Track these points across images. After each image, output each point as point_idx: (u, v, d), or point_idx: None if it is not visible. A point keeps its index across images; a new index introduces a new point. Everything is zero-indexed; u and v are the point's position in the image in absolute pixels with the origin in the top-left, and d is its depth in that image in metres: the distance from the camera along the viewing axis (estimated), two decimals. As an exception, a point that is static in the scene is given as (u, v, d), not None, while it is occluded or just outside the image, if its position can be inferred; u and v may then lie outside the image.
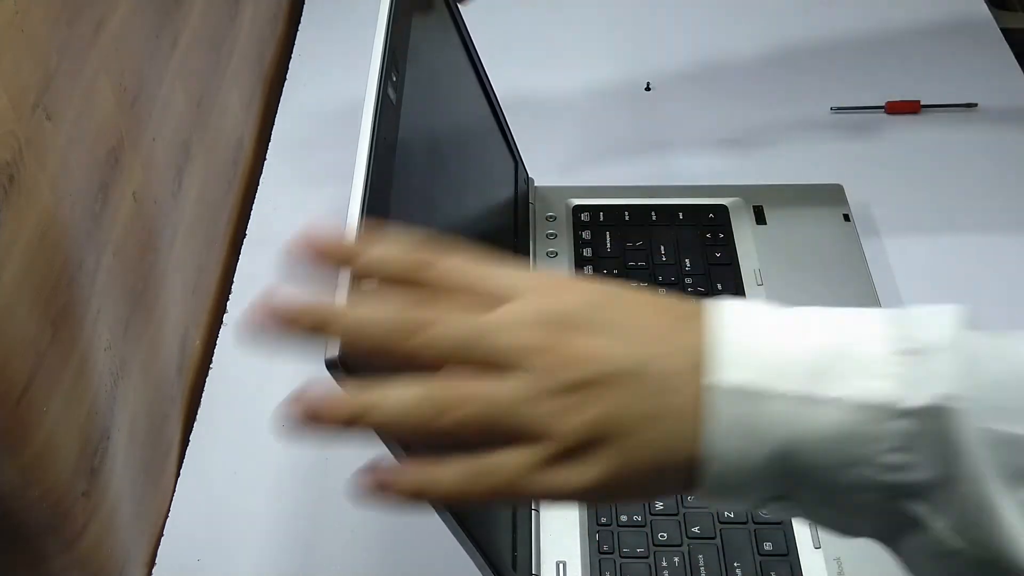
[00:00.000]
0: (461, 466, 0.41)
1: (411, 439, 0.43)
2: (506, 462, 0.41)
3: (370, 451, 0.80)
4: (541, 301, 0.42)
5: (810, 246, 0.83)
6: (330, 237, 0.44)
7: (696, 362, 0.40)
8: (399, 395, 0.41)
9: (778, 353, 0.39)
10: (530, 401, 0.40)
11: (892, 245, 0.88)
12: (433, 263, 0.44)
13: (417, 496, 0.42)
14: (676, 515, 0.67)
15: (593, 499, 0.52)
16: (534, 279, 0.44)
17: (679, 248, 0.83)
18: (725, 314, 0.41)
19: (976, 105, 0.98)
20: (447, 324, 0.41)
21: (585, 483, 0.40)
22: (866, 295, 0.79)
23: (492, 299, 0.42)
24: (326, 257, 0.44)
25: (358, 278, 0.44)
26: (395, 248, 0.44)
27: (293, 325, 0.42)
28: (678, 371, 0.40)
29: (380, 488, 0.41)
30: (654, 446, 0.40)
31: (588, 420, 0.40)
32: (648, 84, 1.04)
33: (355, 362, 0.42)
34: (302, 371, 0.82)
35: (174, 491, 0.75)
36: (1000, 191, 0.92)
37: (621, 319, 0.42)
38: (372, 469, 0.42)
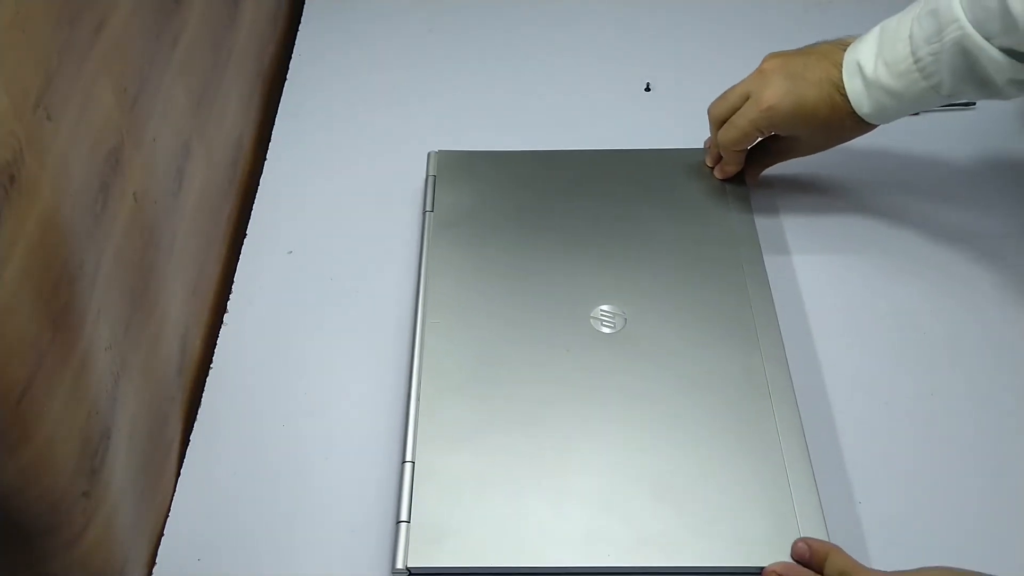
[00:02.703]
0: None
1: None
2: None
3: (367, 457, 0.80)
4: None
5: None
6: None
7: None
8: None
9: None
10: None
11: (891, 243, 0.88)
12: None
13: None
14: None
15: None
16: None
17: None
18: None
19: (974, 104, 0.99)
20: None
21: None
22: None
23: None
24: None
25: None
26: None
27: None
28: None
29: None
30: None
31: None
32: (648, 84, 1.04)
33: None
34: (301, 371, 0.81)
35: (174, 491, 0.75)
36: (1000, 189, 0.93)
37: None
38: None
